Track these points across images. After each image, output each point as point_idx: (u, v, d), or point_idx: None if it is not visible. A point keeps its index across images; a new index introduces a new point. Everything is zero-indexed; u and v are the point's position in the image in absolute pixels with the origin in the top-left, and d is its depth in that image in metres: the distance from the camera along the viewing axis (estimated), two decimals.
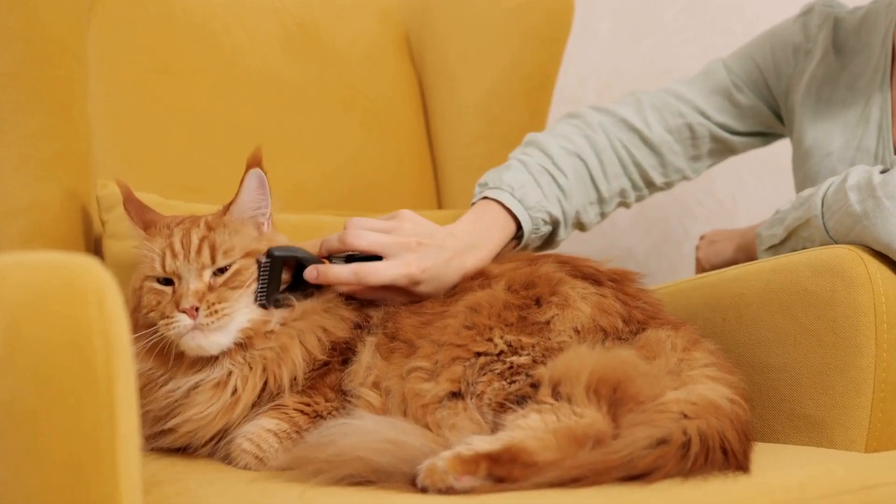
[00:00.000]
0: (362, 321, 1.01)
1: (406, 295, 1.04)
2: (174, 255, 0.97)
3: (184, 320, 0.93)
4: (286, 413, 0.95)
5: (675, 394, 0.86)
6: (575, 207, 1.24)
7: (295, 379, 0.96)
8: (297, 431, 0.93)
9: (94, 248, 1.24)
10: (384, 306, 1.03)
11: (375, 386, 0.95)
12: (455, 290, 1.03)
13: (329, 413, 0.95)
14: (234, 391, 0.95)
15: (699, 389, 0.88)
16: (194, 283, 0.95)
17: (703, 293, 1.16)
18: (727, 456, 0.82)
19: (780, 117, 1.38)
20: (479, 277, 1.04)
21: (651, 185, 1.34)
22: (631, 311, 0.99)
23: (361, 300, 1.04)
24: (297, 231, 1.11)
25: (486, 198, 1.18)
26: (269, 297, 0.99)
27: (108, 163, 1.29)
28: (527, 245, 1.21)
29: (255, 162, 1.00)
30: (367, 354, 0.97)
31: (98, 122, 1.29)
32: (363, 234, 1.04)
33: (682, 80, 1.39)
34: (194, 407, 0.94)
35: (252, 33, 1.46)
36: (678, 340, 0.95)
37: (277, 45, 1.48)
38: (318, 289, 1.03)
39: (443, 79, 1.58)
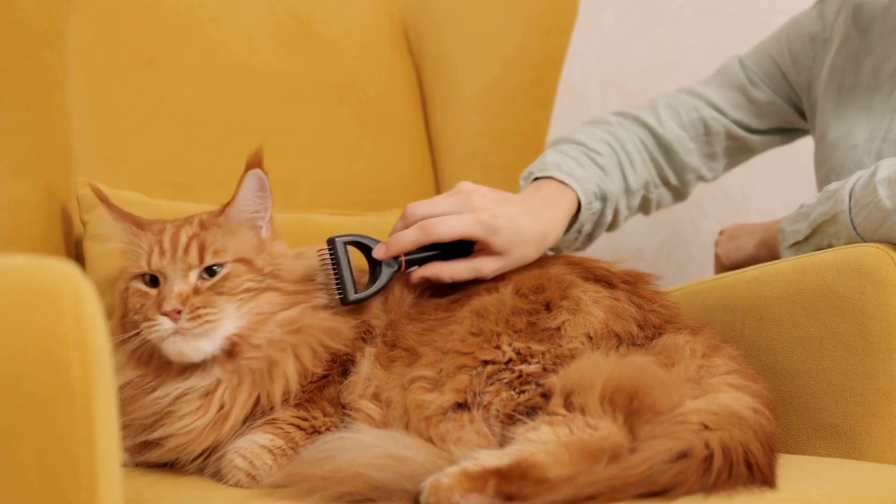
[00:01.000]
0: (364, 331, 1.00)
1: (490, 255, 1.01)
2: (161, 253, 0.95)
3: (165, 323, 0.91)
4: (281, 428, 0.93)
5: (696, 403, 0.85)
6: (614, 190, 1.25)
7: (287, 394, 0.94)
8: (292, 447, 0.91)
9: (75, 250, 1.21)
10: (399, 307, 1.01)
11: (375, 398, 0.93)
12: (460, 295, 1.01)
13: (327, 428, 0.93)
14: (222, 406, 0.93)
15: (721, 398, 0.86)
16: (179, 284, 0.93)
17: (720, 295, 1.14)
18: (752, 470, 0.80)
19: (801, 113, 1.37)
20: (486, 281, 1.02)
21: (667, 184, 1.34)
22: (646, 315, 0.98)
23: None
24: (290, 231, 1.10)
25: (535, 180, 1.17)
26: (346, 289, 0.97)
27: (90, 160, 1.27)
28: (582, 226, 1.20)
29: (255, 162, 0.98)
30: (366, 365, 0.96)
31: (78, 116, 1.27)
32: (422, 203, 1.02)
33: (699, 81, 1.39)
34: (181, 419, 0.92)
35: (241, 23, 1.45)
36: (697, 346, 0.93)
37: (268, 36, 1.47)
38: (394, 272, 1.00)
39: (442, 70, 1.57)
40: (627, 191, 1.28)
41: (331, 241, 0.99)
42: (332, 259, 0.98)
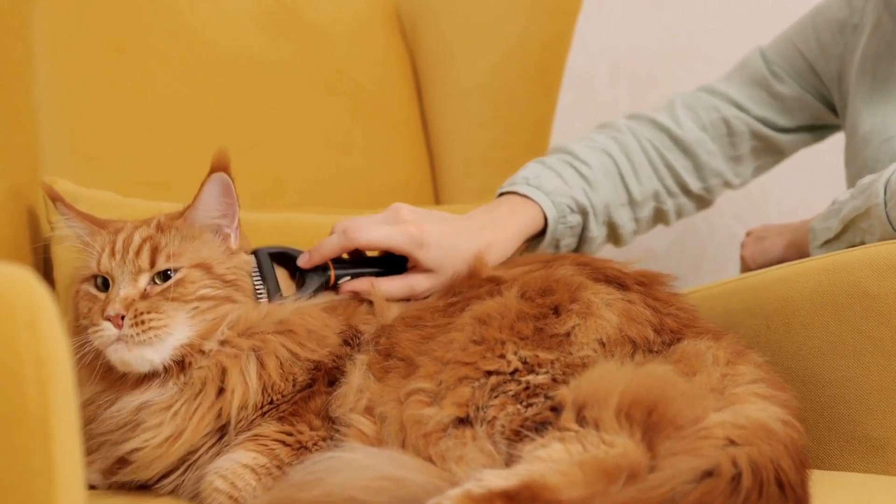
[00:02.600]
0: (350, 336, 0.98)
1: (422, 272, 1.04)
2: (112, 254, 0.95)
3: (108, 329, 0.90)
4: (265, 444, 0.90)
5: (720, 416, 0.83)
6: (604, 201, 1.24)
7: (246, 407, 0.93)
8: (277, 466, 0.89)
9: (43, 254, 1.19)
10: (383, 313, 1.01)
11: (368, 412, 0.91)
12: (460, 299, 0.99)
13: (315, 444, 0.91)
14: (177, 423, 0.91)
15: (747, 410, 0.84)
16: (125, 288, 0.93)
17: (743, 297, 1.12)
18: (783, 489, 0.77)
19: (831, 107, 1.35)
20: (488, 284, 1.00)
21: (687, 192, 1.32)
22: (663, 318, 0.95)
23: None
24: (278, 231, 1.10)
25: (501, 194, 1.18)
26: (270, 297, 0.99)
27: (58, 157, 1.26)
28: (558, 241, 1.20)
29: (220, 165, 0.97)
30: (357, 375, 0.94)
31: (46, 110, 1.26)
32: (354, 219, 1.04)
33: (719, 78, 1.38)
34: (143, 433, 0.91)
35: (222, 7, 1.44)
36: (720, 352, 0.91)
37: (251, 21, 1.46)
38: (322, 283, 1.02)
39: (439, 57, 1.57)
40: (631, 202, 1.27)
41: (254, 252, 1.01)
42: (257, 269, 1.00)
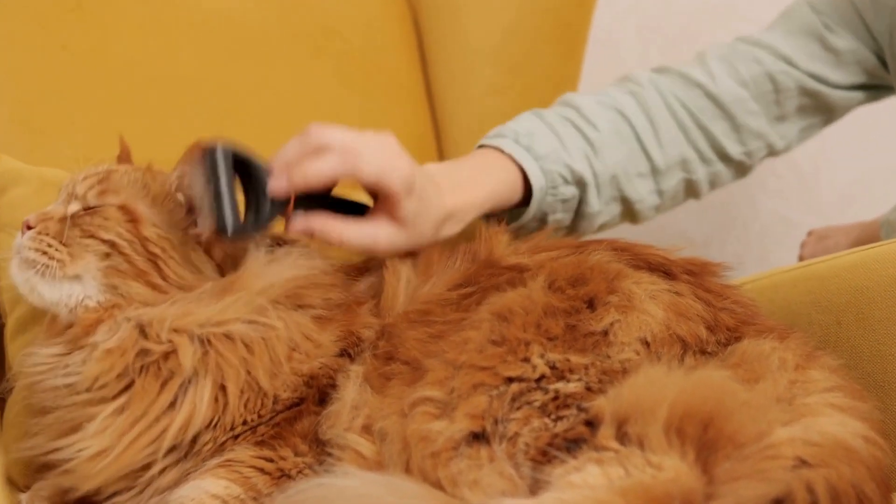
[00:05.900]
0: (351, 345, 0.96)
1: (391, 222, 0.99)
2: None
3: (17, 238, 0.94)
4: (239, 472, 0.88)
5: (788, 431, 0.79)
6: (611, 171, 1.20)
7: (186, 431, 0.90)
8: (253, 498, 0.87)
9: None
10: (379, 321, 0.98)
11: (366, 430, 0.88)
12: (475, 289, 0.96)
13: (299, 472, 0.89)
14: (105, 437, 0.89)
15: (821, 424, 0.81)
16: (53, 205, 0.96)
17: (807, 288, 1.08)
18: None
19: (885, 64, 1.32)
20: (509, 272, 0.97)
21: (725, 158, 1.29)
22: (717, 314, 0.92)
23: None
24: None
25: (481, 147, 1.15)
26: (224, 216, 0.87)
27: (2, 130, 1.25)
28: (545, 214, 1.17)
29: (125, 157, 1.03)
30: (351, 389, 0.91)
31: None
32: (332, 126, 0.99)
33: (760, 29, 1.35)
34: (78, 441, 0.89)
35: None
36: (787, 355, 0.88)
37: None
38: (280, 210, 0.94)
39: (446, 14, 1.55)
40: (654, 171, 1.25)
41: (210, 151, 0.88)
42: (210, 175, 0.89)
